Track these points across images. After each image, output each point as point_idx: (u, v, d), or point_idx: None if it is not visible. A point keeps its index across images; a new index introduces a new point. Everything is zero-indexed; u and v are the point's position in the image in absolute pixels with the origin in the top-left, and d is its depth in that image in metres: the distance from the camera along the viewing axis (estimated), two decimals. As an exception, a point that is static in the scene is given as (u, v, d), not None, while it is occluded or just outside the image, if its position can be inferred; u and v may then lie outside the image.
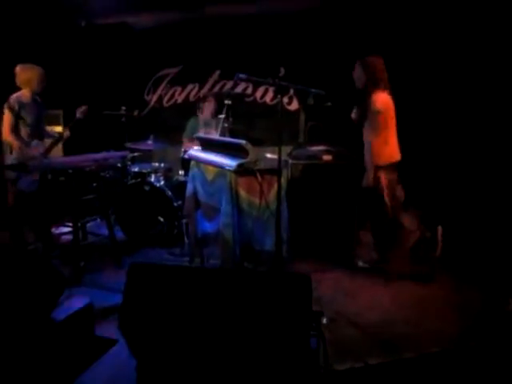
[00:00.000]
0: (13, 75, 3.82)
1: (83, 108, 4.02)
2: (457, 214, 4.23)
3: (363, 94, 3.54)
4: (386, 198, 3.52)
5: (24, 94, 3.82)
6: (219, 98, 4.82)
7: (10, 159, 3.80)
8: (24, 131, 3.80)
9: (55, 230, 4.42)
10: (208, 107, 4.81)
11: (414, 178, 4.18)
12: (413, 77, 4.63)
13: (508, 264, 3.54)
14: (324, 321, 2.57)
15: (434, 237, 3.75)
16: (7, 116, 3.73)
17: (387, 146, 3.54)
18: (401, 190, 3.63)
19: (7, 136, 3.75)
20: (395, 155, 3.58)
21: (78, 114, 4.01)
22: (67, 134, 4.10)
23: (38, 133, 3.93)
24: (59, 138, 4.15)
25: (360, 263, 3.85)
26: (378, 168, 3.55)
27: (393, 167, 3.57)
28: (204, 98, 4.96)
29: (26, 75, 3.81)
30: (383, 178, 3.52)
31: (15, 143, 3.74)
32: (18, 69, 3.83)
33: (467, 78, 4.52)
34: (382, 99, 3.48)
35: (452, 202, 4.40)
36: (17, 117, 3.74)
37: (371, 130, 3.57)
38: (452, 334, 2.70)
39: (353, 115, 3.67)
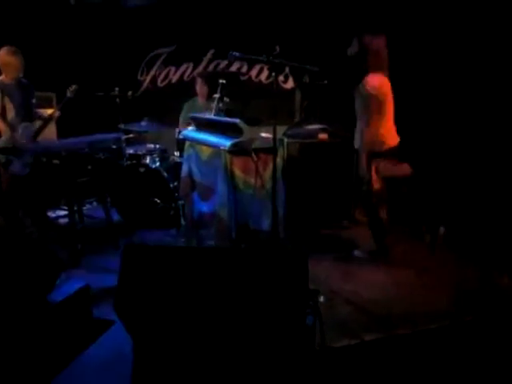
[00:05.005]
0: None
1: (73, 87, 3.99)
2: (456, 192, 4.07)
3: (358, 74, 3.27)
4: (374, 185, 3.30)
5: (6, 76, 3.76)
6: (211, 77, 4.74)
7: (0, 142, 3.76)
8: (11, 113, 3.76)
9: (51, 214, 4.42)
10: (199, 88, 4.74)
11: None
12: (416, 60, 4.30)
13: (503, 240, 3.54)
14: (321, 299, 2.58)
15: (435, 238, 3.76)
16: None
17: (380, 132, 3.25)
18: (407, 167, 3.38)
19: None
20: (389, 141, 3.30)
21: (69, 94, 3.98)
22: (57, 113, 4.05)
23: (27, 114, 3.87)
24: (49, 118, 4.06)
25: (356, 252, 3.62)
26: (370, 155, 3.28)
27: (387, 154, 3.30)
28: (193, 80, 4.88)
29: (5, 60, 3.70)
30: (375, 164, 3.28)
31: (2, 128, 3.72)
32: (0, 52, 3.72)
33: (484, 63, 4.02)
34: (376, 82, 3.16)
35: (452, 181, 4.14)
36: (2, 99, 3.70)
37: (362, 115, 3.28)
38: (448, 310, 2.71)
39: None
